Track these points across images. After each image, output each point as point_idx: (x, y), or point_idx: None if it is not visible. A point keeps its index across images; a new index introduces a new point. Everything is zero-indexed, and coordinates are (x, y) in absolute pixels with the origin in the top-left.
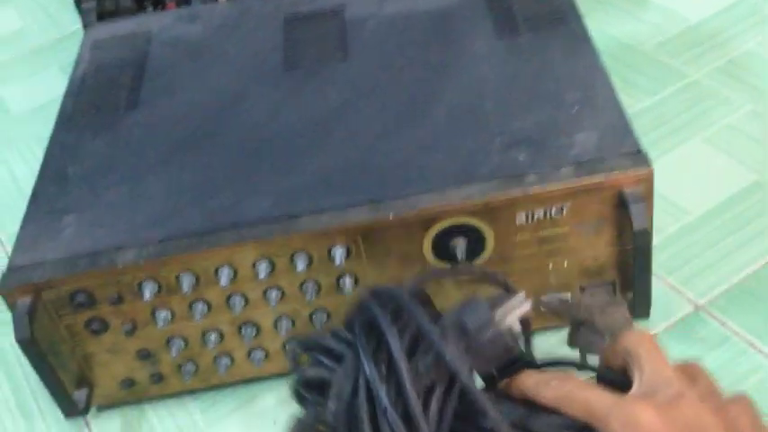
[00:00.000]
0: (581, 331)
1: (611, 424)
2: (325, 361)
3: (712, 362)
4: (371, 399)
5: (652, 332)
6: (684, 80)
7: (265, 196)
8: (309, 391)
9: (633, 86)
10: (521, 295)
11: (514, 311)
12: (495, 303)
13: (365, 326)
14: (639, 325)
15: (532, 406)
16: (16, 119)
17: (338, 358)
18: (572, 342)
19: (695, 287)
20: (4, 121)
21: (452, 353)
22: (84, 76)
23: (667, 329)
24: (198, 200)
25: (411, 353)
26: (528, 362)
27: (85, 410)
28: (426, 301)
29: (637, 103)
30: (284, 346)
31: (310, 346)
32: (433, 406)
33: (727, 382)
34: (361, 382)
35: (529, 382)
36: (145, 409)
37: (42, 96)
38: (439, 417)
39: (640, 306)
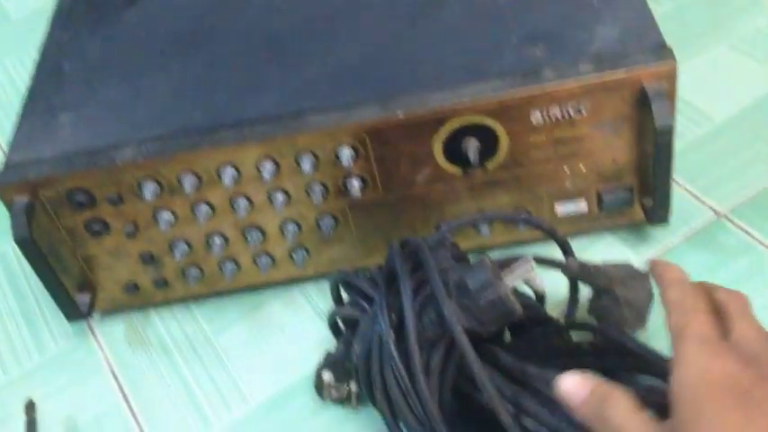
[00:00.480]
0: (601, 299)
1: None
2: (360, 301)
3: (735, 270)
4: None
5: (672, 239)
6: None
7: (270, 93)
8: (345, 326)
9: None
10: (528, 259)
11: (519, 275)
12: (501, 265)
13: (389, 276)
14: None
15: (527, 385)
16: (15, 24)
17: (371, 300)
18: (591, 309)
19: (717, 195)
20: (3, 26)
21: (451, 311)
22: None
23: (688, 238)
24: (199, 97)
25: (425, 307)
26: (547, 323)
27: (88, 314)
28: (455, 252)
29: (659, 7)
30: (291, 254)
31: (348, 284)
32: (436, 359)
33: (749, 290)
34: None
35: (567, 384)
36: (150, 314)
37: (41, 0)
38: (441, 370)
39: (659, 211)
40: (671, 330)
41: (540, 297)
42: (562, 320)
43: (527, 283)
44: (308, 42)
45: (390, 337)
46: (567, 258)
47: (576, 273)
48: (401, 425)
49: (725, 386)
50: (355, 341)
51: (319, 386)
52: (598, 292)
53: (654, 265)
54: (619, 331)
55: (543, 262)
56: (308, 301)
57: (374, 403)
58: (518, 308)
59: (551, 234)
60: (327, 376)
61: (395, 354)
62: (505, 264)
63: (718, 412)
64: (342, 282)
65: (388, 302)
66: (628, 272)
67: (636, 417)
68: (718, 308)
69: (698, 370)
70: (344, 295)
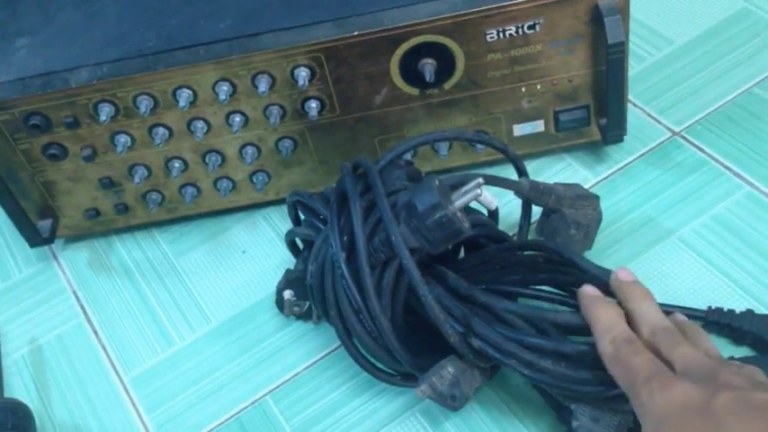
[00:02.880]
0: (550, 219)
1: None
2: (315, 222)
3: (688, 185)
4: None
5: (628, 159)
6: None
7: (225, 15)
8: (304, 245)
9: None
10: (478, 180)
11: (468, 195)
12: (452, 186)
13: (341, 197)
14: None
15: (476, 304)
16: None
17: (326, 221)
18: (540, 228)
19: (674, 115)
20: None
21: (398, 236)
22: None
23: (643, 155)
24: (154, 20)
25: (376, 228)
26: (500, 240)
27: (50, 240)
28: (410, 171)
29: None
30: (251, 178)
31: (303, 205)
32: (387, 278)
33: (703, 204)
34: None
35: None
36: (113, 240)
37: None
38: (393, 288)
39: (614, 130)
40: (620, 386)
41: (493, 215)
42: (516, 239)
43: (479, 201)
44: None
45: (342, 258)
46: (519, 178)
47: (527, 192)
48: (355, 341)
49: (682, 411)
50: (309, 261)
51: (280, 303)
52: (547, 212)
53: (587, 302)
54: (567, 249)
55: (496, 182)
56: (270, 224)
57: (329, 320)
58: (466, 227)
59: (503, 152)
60: (288, 293)
61: (346, 274)
62: (457, 184)
63: None
64: (297, 203)
65: (340, 224)
66: (578, 193)
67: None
68: (649, 345)
69: (657, 409)
70: (303, 216)
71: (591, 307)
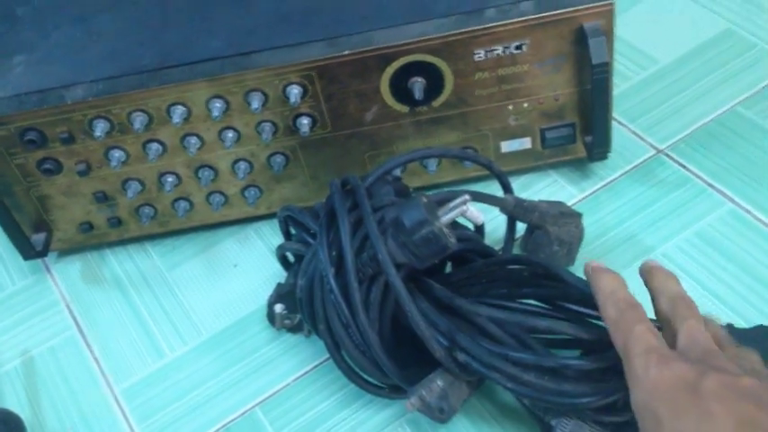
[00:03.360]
0: (534, 235)
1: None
2: (305, 237)
3: (672, 202)
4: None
5: (613, 175)
6: None
7: (219, 34)
8: (295, 259)
9: None
10: (464, 197)
11: (454, 211)
12: (439, 202)
13: (330, 213)
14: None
15: (462, 317)
16: None
17: (315, 236)
18: (524, 244)
19: (658, 133)
20: None
21: (384, 252)
22: None
23: (628, 172)
24: (149, 38)
25: (364, 243)
26: (486, 254)
27: (44, 253)
28: (398, 187)
29: None
30: (243, 192)
31: (293, 220)
32: (375, 293)
33: (686, 221)
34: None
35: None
36: (105, 253)
37: None
38: (381, 302)
39: (599, 147)
40: (618, 350)
41: (479, 230)
42: (502, 254)
43: (465, 217)
44: None
45: (330, 272)
46: (504, 194)
47: (511, 209)
48: (344, 354)
49: (675, 389)
50: (299, 275)
51: (271, 316)
52: (531, 228)
53: (591, 271)
54: (552, 264)
55: (482, 198)
56: (261, 238)
57: (318, 334)
58: (452, 242)
59: (489, 168)
60: (279, 307)
61: (335, 288)
62: (444, 200)
63: (674, 416)
64: (288, 218)
65: (329, 239)
66: (561, 210)
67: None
68: (663, 315)
69: (649, 383)
70: (293, 231)
71: (594, 275)
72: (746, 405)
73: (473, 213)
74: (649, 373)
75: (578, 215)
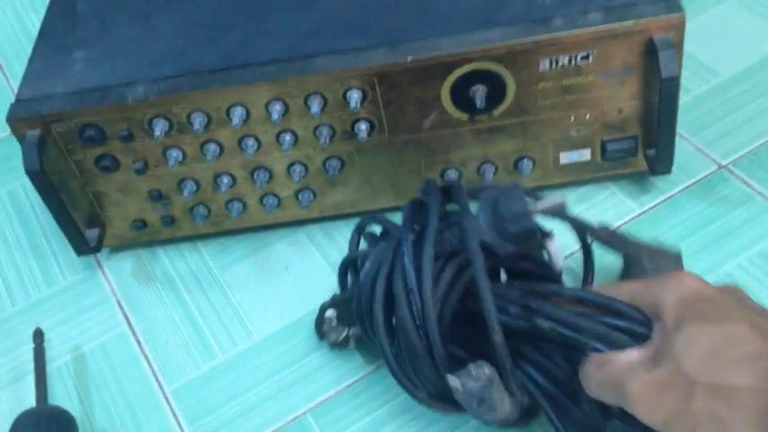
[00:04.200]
0: (630, 267)
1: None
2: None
3: (734, 219)
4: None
5: (673, 190)
6: None
7: (280, 36)
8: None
9: None
10: (561, 198)
11: (549, 208)
12: (533, 197)
13: (416, 204)
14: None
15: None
16: None
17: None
18: (622, 277)
19: (720, 148)
20: None
21: (471, 219)
22: None
23: (689, 187)
24: (211, 37)
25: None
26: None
27: (97, 249)
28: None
29: None
30: (297, 195)
31: (375, 220)
32: (448, 271)
33: (749, 239)
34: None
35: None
36: (156, 251)
37: None
38: (450, 283)
39: (662, 161)
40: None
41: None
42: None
43: (548, 252)
44: None
45: (408, 237)
46: (598, 224)
47: (607, 239)
48: (394, 358)
49: (699, 300)
50: (367, 260)
51: (320, 324)
52: (626, 260)
53: None
54: None
55: (573, 222)
56: (313, 241)
57: (370, 323)
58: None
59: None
60: (330, 313)
61: (407, 251)
62: (533, 195)
63: (694, 322)
64: (368, 222)
65: (413, 224)
66: (658, 247)
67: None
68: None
69: (684, 289)
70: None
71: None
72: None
73: (555, 252)
74: (688, 280)
75: (678, 255)
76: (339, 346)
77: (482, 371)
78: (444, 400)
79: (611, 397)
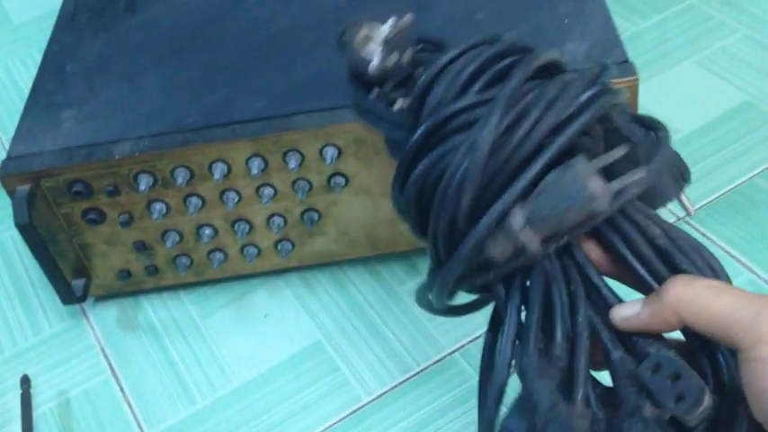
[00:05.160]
0: None
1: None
2: None
3: None
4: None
5: None
6: (681, 4)
7: (260, 95)
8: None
9: (631, 10)
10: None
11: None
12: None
13: None
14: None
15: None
16: (18, 28)
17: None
18: None
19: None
20: (6, 30)
21: None
22: None
23: None
24: (194, 97)
25: None
26: None
27: (83, 298)
28: None
29: (633, 26)
30: (276, 246)
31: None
32: None
33: None
34: None
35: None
36: (140, 299)
37: (44, 6)
38: None
39: None
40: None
41: None
42: None
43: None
44: (297, 49)
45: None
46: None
47: None
48: None
49: None
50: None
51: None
52: None
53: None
54: None
55: None
56: (291, 290)
57: None
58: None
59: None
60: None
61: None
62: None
63: None
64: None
65: None
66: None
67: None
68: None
69: None
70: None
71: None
72: None
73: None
74: None
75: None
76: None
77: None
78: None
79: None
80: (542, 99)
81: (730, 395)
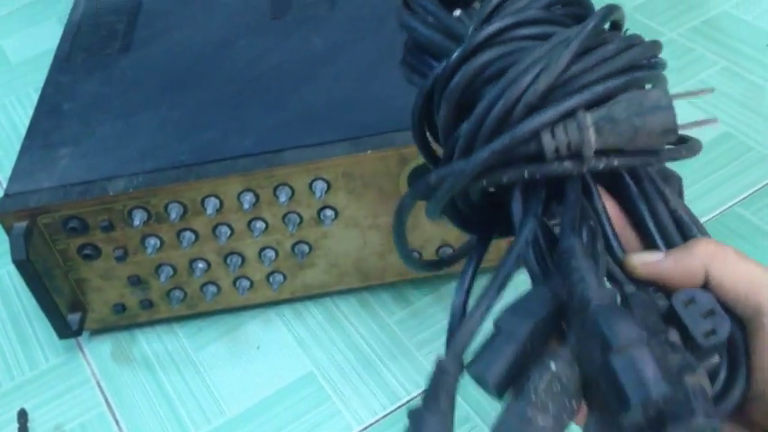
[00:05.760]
0: None
1: None
2: None
3: None
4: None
5: None
6: (663, 37)
7: (251, 132)
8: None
9: None
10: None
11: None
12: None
13: None
14: None
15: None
16: (15, 68)
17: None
18: None
19: None
20: (4, 70)
21: None
22: (79, 22)
23: None
24: (187, 135)
25: None
26: None
27: (78, 332)
28: None
29: None
30: (268, 278)
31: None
32: None
33: None
34: None
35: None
36: (135, 333)
37: (41, 46)
38: None
39: None
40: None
41: None
42: None
43: None
44: (286, 86)
45: None
46: None
47: None
48: None
49: None
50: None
51: None
52: None
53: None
54: None
55: None
56: (283, 321)
57: None
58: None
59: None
60: None
61: None
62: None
63: None
64: None
65: None
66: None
67: None
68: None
69: None
70: None
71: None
72: None
73: None
74: None
75: None
76: None
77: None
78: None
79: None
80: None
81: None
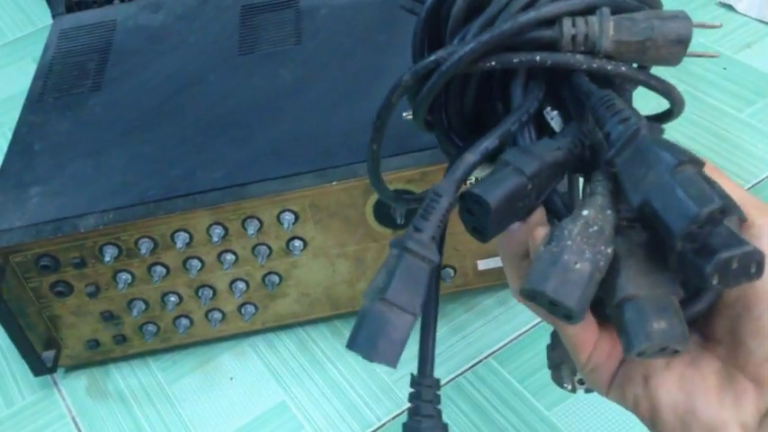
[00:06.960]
0: None
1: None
2: None
3: None
4: None
5: None
6: None
7: (219, 167)
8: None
9: None
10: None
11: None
12: None
13: None
14: None
15: None
16: None
17: None
18: None
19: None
20: None
21: None
22: (51, 63)
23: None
24: (156, 171)
25: None
26: None
27: (53, 369)
28: None
29: None
30: (239, 309)
31: None
32: None
33: None
34: None
35: None
36: (109, 368)
37: (16, 87)
38: None
39: None
40: None
41: None
42: None
43: None
44: (253, 122)
45: None
46: None
47: None
48: None
49: None
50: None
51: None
52: None
53: None
54: None
55: None
56: (256, 352)
57: None
58: None
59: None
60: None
61: None
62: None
63: None
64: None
65: None
66: None
67: None
68: None
69: None
70: None
71: None
72: None
73: None
74: None
75: None
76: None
77: None
78: None
79: None
80: None
81: None
